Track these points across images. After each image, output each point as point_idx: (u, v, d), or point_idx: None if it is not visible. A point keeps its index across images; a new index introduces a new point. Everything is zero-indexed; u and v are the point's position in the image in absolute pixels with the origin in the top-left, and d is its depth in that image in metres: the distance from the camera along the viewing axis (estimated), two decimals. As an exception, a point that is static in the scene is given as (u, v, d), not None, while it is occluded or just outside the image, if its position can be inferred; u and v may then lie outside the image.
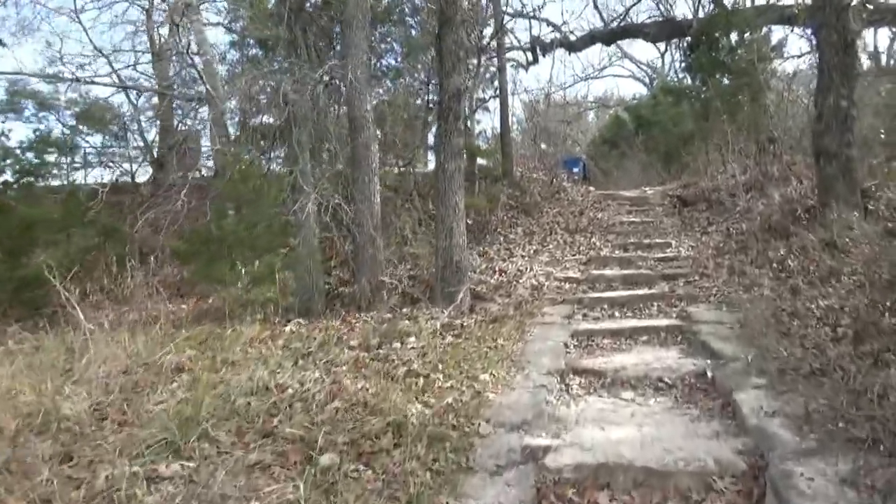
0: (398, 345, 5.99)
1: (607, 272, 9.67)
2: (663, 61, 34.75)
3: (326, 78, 8.28)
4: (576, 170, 21.88)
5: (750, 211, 11.94)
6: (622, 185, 22.27)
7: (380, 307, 7.83)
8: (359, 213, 8.27)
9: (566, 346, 6.50)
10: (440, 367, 5.33)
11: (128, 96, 15.34)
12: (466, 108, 14.81)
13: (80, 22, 15.63)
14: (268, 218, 7.56)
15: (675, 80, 27.94)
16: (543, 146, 21.29)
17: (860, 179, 10.19)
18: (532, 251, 11.09)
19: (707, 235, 11.49)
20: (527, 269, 9.85)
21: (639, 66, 37.05)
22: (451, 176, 7.92)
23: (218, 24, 15.27)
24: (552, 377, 5.43)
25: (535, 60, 20.48)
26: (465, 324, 7.01)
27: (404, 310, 7.79)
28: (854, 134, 10.09)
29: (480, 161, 16.12)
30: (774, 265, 8.94)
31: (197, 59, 13.34)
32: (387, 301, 7.96)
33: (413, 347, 5.93)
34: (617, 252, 11.07)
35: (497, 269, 9.77)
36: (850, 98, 10.00)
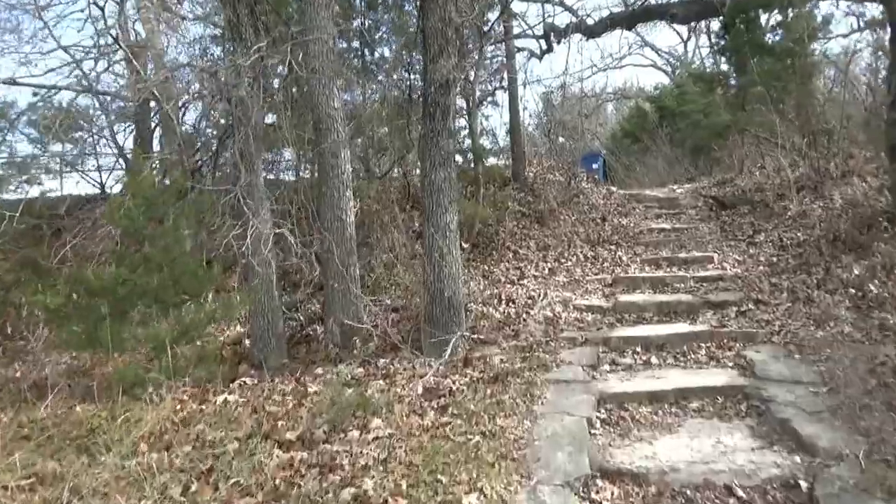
0: (355, 433, 4.29)
1: (638, 298, 7.91)
2: (686, 48, 32.86)
3: (281, 68, 6.59)
4: (595, 166, 20.09)
5: (805, 216, 10.12)
6: (646, 184, 20.50)
7: (352, 357, 6.14)
8: (327, 237, 6.60)
9: (590, 423, 4.74)
10: (407, 480, 3.62)
11: (95, 99, 13.65)
12: (471, 102, 13.13)
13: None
14: (183, 254, 5.80)
15: (702, 66, 26.12)
16: (561, 140, 19.49)
17: (946, 178, 8.42)
18: (547, 270, 9.35)
19: (755, 247, 9.68)
20: (540, 294, 8.12)
21: (660, 55, 35.08)
22: (440, 188, 6.22)
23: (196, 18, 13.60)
24: (570, 492, 3.70)
25: (550, 48, 18.58)
26: (455, 387, 5.30)
27: (382, 361, 6.10)
28: (936, 123, 8.31)
29: (490, 161, 14.46)
30: (851, 290, 7.14)
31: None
32: (361, 349, 6.26)
33: (377, 438, 4.23)
34: (648, 269, 9.31)
35: (504, 295, 8.04)
36: (932, 80, 8.22)
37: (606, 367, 5.99)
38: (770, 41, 14.35)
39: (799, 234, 9.35)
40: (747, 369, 5.62)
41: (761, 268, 8.64)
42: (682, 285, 8.33)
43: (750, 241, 10.07)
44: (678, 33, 33.15)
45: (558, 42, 19.20)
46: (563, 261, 9.77)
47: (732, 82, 16.30)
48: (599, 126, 36.34)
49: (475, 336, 6.66)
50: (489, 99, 15.11)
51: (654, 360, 6.12)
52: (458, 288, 6.36)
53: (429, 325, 6.27)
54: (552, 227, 11.34)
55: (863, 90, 12.45)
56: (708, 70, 18.74)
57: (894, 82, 8.40)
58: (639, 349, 6.38)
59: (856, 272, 7.43)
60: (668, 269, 9.19)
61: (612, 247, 10.64)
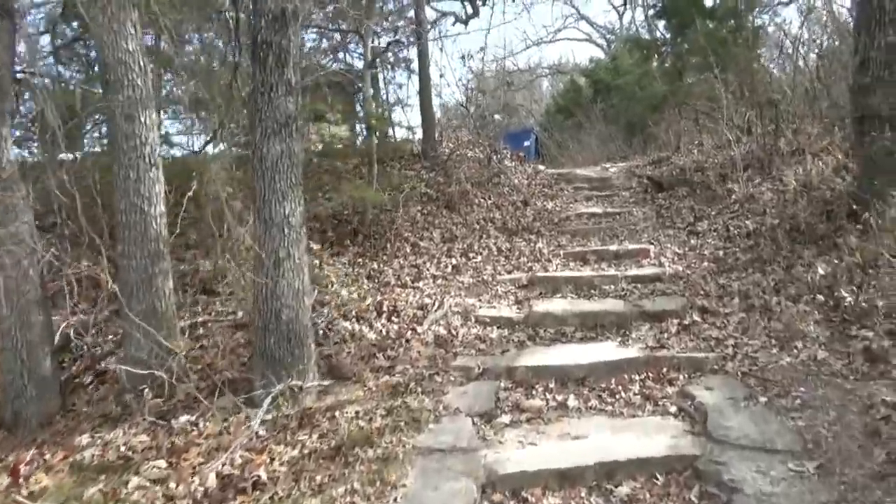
0: None
1: (557, 306, 6.26)
2: (622, 22, 31.58)
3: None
4: (527, 143, 18.54)
5: (753, 200, 8.67)
6: (579, 162, 19.14)
7: (142, 411, 4.30)
8: (124, 236, 4.74)
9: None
10: None
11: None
12: (365, 58, 11.32)
13: None
14: None
15: (638, 33, 24.84)
16: (484, 113, 17.83)
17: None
18: (450, 268, 7.65)
19: (697, 237, 8.18)
20: (436, 301, 6.42)
21: (595, 29, 33.76)
22: (275, 166, 4.40)
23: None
24: None
25: (476, 12, 17.02)
26: (273, 469, 3.53)
27: (184, 418, 4.25)
28: (917, 89, 6.92)
29: (402, 135, 12.68)
30: (819, 297, 5.66)
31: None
32: (145, 403, 4.40)
33: None
34: (572, 266, 7.69)
35: (388, 305, 6.29)
36: (911, 36, 6.80)
37: (506, 417, 4.29)
38: (712, 2, 12.88)
39: (748, 223, 7.89)
40: (696, 420, 4.03)
41: (706, 264, 7.14)
42: (613, 288, 6.74)
43: (691, 229, 8.58)
44: (613, 6, 32.03)
45: (483, 3, 17.59)
46: (471, 255, 8.07)
47: (670, 50, 14.81)
48: (535, 103, 35.04)
49: (333, 367, 4.92)
50: (402, 65, 13.34)
51: (571, 401, 4.47)
52: (301, 308, 4.55)
53: (262, 359, 4.49)
54: (463, 212, 9.63)
55: (814, 57, 11.04)
56: (644, 38, 17.04)
57: (865, 39, 6.93)
58: (553, 384, 4.72)
59: (821, 272, 5.96)
60: (596, 266, 7.59)
61: (533, 236, 9.01)
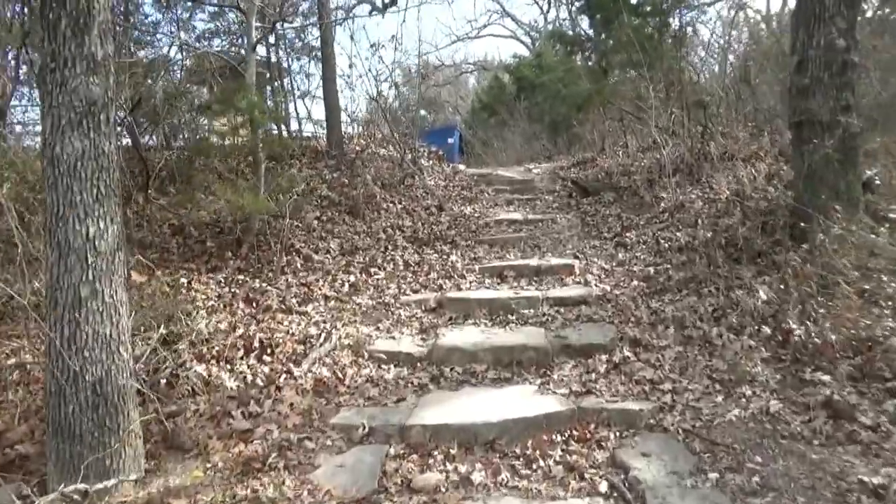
0: None
1: (468, 337, 5.33)
2: (546, 20, 31.13)
3: None
4: (450, 140, 17.64)
5: (683, 209, 7.97)
6: (503, 161, 18.55)
7: None
8: None
9: None
10: None
11: None
12: (285, 53, 10.25)
13: None
14: None
15: (562, 28, 24.35)
16: (419, 111, 16.78)
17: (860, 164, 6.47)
18: (348, 286, 6.62)
19: (626, 250, 7.43)
20: (324, 331, 5.40)
21: (520, 26, 33.24)
22: (73, 170, 3.27)
23: None
24: None
25: (393, 1, 16.01)
26: None
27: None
28: (855, 92, 6.31)
29: (310, 130, 11.52)
30: (764, 328, 4.92)
31: None
32: None
33: None
34: (488, 283, 6.79)
35: (264, 336, 5.22)
36: (852, 35, 6.16)
37: (392, 501, 3.37)
38: (638, -1, 12.24)
39: (679, 235, 7.18)
40: (632, 507, 3.19)
41: (635, 283, 6.35)
42: (532, 312, 5.86)
43: (618, 240, 7.81)
44: (537, 2, 31.50)
45: (400, -11, 16.55)
46: (374, 271, 7.07)
47: (594, 47, 14.14)
48: (461, 100, 34.27)
49: (169, 435, 3.85)
50: (308, 53, 12.21)
51: (477, 475, 3.52)
52: (115, 364, 3.39)
53: (56, 436, 3.38)
54: (369, 219, 8.60)
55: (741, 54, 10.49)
56: (569, 33, 16.33)
57: (803, 37, 6.29)
58: (455, 450, 3.75)
59: (764, 297, 5.24)
60: (515, 285, 6.71)
61: (447, 247, 8.07)
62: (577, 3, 15.65)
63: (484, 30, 35.40)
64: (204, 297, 5.99)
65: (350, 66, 14.22)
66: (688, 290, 5.95)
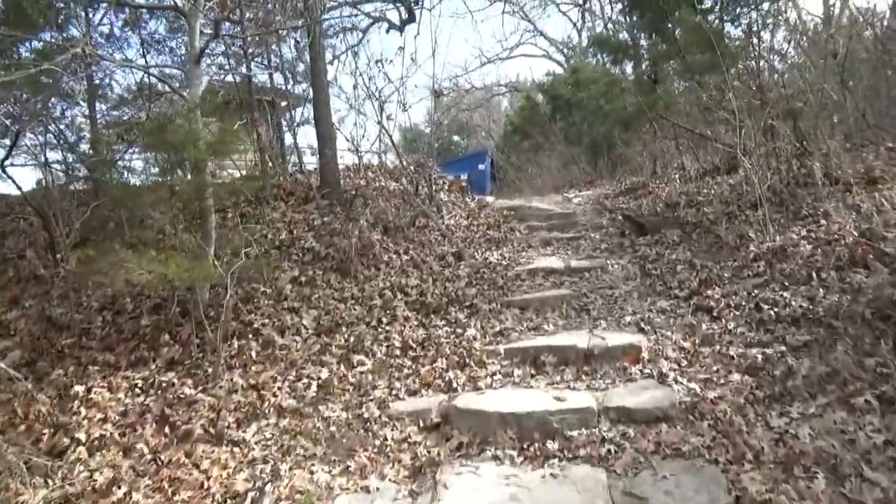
0: None
1: (485, 489, 3.34)
2: (580, 37, 29.12)
3: None
4: (481, 167, 15.79)
5: (786, 256, 5.82)
6: (538, 188, 16.58)
7: None
8: None
9: None
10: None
11: None
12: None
13: None
14: None
15: (606, 33, 22.40)
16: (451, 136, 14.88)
17: None
18: (314, 388, 4.60)
19: (711, 319, 5.23)
20: (259, 481, 3.44)
21: (552, 44, 31.28)
22: None
23: None
24: None
25: (411, 17, 14.16)
26: None
27: None
28: None
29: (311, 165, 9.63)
30: None
31: None
32: None
33: None
34: (517, 376, 4.70)
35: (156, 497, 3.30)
36: None
37: None
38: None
39: (787, 296, 5.03)
40: None
41: (736, 377, 4.24)
42: (584, 436, 3.78)
43: (697, 302, 5.63)
44: (569, 17, 29.59)
45: (420, 4, 14.76)
46: (357, 359, 5.02)
47: (643, 53, 12.06)
48: (493, 124, 32.41)
49: None
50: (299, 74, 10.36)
51: None
52: None
53: None
54: (363, 277, 6.58)
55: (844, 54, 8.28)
56: (612, 39, 14.21)
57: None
58: None
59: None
60: (557, 379, 4.62)
61: (463, 314, 6.05)
62: (620, 3, 13.36)
63: (515, 49, 33.23)
64: (100, 416, 4.07)
65: (354, 87, 12.29)
66: (827, 395, 3.84)
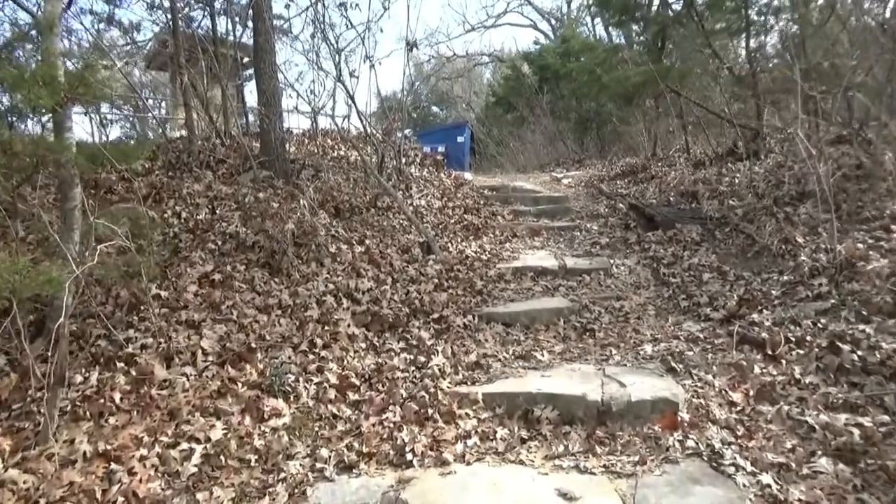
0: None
1: None
2: (569, 6, 27.48)
3: None
4: (460, 139, 14.39)
5: (855, 271, 4.42)
6: (521, 165, 15.61)
7: None
8: None
9: None
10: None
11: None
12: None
13: None
14: None
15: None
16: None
17: None
18: (194, 462, 3.09)
19: (765, 356, 3.88)
20: None
21: (541, 15, 29.60)
22: None
23: None
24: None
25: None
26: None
27: None
28: None
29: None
30: None
31: None
32: None
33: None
34: (501, 438, 3.24)
35: None
36: None
37: None
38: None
39: (883, 337, 3.61)
40: None
41: (823, 462, 2.84)
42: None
43: (741, 330, 4.20)
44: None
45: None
46: (269, 407, 3.46)
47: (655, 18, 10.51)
48: (474, 95, 30.89)
49: None
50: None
51: None
52: None
53: None
54: (300, 276, 5.00)
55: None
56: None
57: None
58: None
59: None
60: (557, 449, 3.10)
61: (428, 335, 4.56)
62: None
63: (502, 17, 31.54)
64: None
65: (312, 37, 10.60)
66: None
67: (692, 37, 9.33)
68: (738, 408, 3.41)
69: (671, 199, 7.68)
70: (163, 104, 14.02)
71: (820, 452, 2.93)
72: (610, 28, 16.95)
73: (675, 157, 10.13)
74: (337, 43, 7.46)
